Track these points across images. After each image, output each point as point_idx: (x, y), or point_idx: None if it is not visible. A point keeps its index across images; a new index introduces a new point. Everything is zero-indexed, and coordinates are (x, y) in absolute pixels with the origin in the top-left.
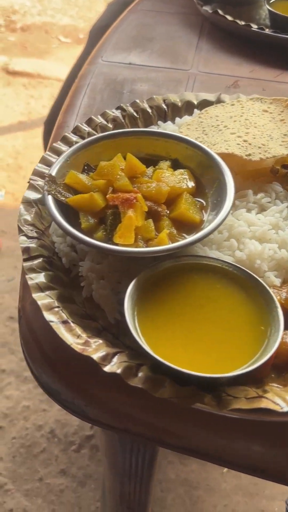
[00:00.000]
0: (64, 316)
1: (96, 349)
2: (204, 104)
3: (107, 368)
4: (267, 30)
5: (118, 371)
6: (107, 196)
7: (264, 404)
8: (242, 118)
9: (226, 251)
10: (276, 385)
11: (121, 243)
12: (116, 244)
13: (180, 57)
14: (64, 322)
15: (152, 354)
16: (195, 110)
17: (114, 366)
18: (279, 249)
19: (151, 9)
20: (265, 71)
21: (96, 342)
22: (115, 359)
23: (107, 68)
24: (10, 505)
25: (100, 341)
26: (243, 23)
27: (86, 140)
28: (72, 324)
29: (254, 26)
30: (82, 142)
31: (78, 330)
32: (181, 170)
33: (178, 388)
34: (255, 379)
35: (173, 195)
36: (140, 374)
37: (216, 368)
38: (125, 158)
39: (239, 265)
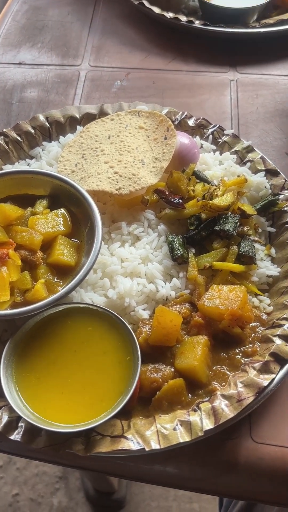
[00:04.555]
0: None
1: None
2: (87, 117)
3: None
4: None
5: None
6: None
7: (121, 445)
8: (118, 139)
9: (100, 291)
10: (140, 417)
11: None
12: None
13: (71, 48)
14: None
15: (25, 418)
16: (78, 126)
17: None
18: (148, 283)
19: None
20: (157, 58)
21: None
22: None
23: None
24: None
25: None
26: (171, 15)
27: None
28: None
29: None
30: None
31: None
32: (56, 211)
33: (53, 435)
34: (125, 410)
35: (48, 240)
36: (20, 425)
37: (90, 412)
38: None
39: (106, 309)
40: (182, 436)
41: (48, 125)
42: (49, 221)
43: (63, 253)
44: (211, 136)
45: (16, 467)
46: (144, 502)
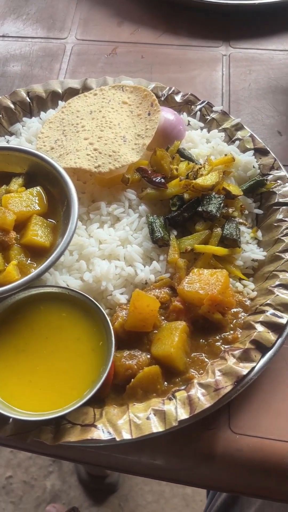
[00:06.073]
0: None
1: None
2: (69, 92)
3: None
4: None
5: None
6: None
7: (91, 434)
8: (100, 114)
9: (75, 274)
10: (114, 405)
11: None
12: None
13: (58, 21)
14: None
15: None
16: (60, 102)
17: None
18: (126, 266)
19: None
20: (147, 31)
21: None
22: None
23: None
24: None
25: None
26: None
27: None
28: None
29: None
30: None
31: None
32: (31, 189)
33: (21, 424)
34: (98, 398)
35: (22, 219)
36: None
37: (60, 400)
38: None
39: (81, 292)
40: (156, 426)
41: (29, 100)
42: (24, 200)
43: (37, 233)
44: (199, 112)
45: (9, 449)
46: (137, 486)
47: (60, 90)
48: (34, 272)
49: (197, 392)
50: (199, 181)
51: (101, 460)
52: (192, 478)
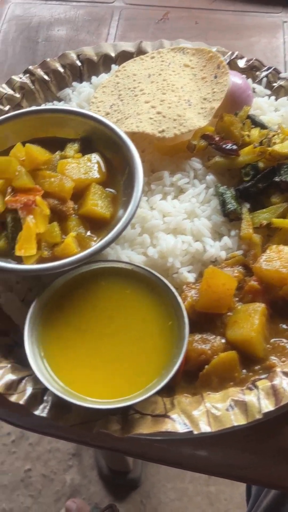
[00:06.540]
0: None
1: (1, 376)
2: (123, 56)
3: (13, 398)
4: None
5: (22, 401)
6: (6, 199)
7: (165, 426)
8: (160, 77)
9: (138, 249)
10: (185, 394)
11: (22, 255)
12: (18, 258)
13: None
14: None
15: (53, 390)
16: (113, 66)
17: (19, 396)
18: (194, 241)
19: None
20: None
21: (2, 367)
22: (20, 387)
23: (20, 9)
24: None
25: (7, 365)
26: None
27: None
28: None
29: None
30: None
31: None
32: (89, 156)
33: (84, 412)
34: (167, 386)
35: (80, 188)
36: (45, 399)
37: (127, 386)
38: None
39: (147, 268)
40: (237, 419)
41: (79, 63)
42: (82, 166)
43: (97, 203)
44: (265, 79)
45: (28, 442)
46: (160, 483)
47: (112, 54)
48: (97, 245)
49: (282, 382)
50: (277, 148)
51: (164, 455)
52: (268, 478)
